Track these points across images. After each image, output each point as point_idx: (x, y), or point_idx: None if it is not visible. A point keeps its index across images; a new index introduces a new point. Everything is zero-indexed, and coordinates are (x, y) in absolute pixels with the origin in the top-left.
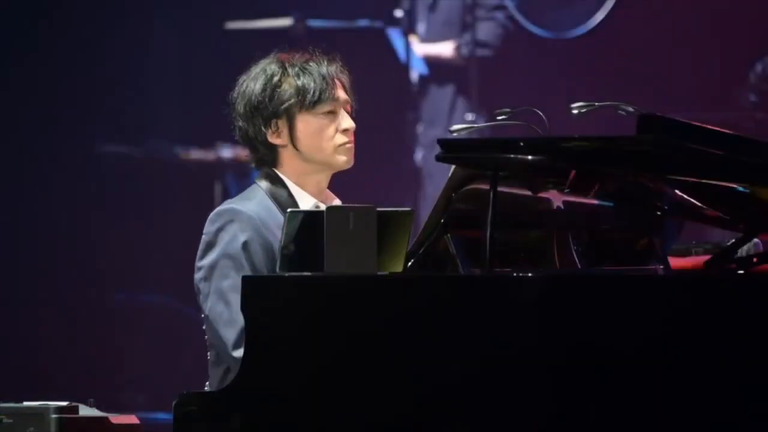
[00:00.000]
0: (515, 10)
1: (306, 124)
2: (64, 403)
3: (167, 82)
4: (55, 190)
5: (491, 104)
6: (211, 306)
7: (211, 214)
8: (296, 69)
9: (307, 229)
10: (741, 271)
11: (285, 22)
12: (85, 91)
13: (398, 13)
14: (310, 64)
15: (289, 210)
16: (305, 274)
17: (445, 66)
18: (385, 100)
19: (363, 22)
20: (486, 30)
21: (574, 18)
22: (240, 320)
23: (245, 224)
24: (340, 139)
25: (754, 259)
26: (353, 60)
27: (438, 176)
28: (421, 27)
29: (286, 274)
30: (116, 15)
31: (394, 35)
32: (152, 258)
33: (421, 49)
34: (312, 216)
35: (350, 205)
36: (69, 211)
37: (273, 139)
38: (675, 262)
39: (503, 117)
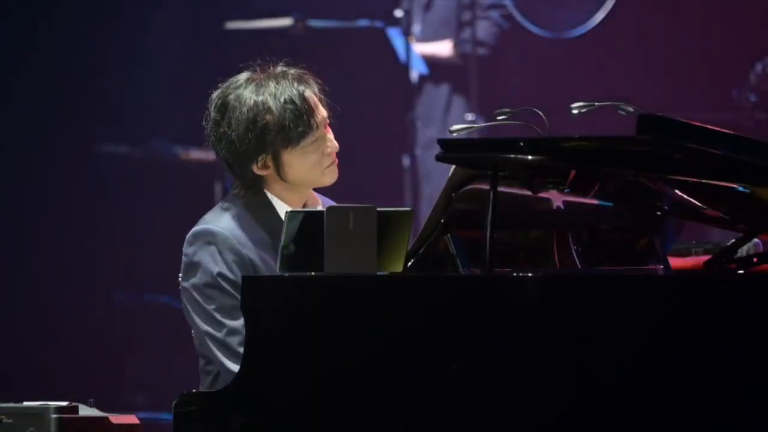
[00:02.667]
0: (514, 9)
1: (293, 158)
2: (64, 403)
3: (167, 83)
4: (55, 190)
5: (489, 103)
6: (200, 325)
7: (188, 236)
8: (277, 104)
9: (307, 229)
10: (741, 271)
11: (285, 22)
12: (85, 91)
13: (398, 13)
14: (286, 94)
15: (288, 210)
16: (305, 274)
17: (442, 65)
18: (385, 100)
19: (363, 22)
20: (481, 29)
21: (574, 18)
22: (230, 341)
23: (222, 245)
24: (326, 161)
25: (754, 259)
26: (353, 60)
27: (437, 176)
28: (416, 27)
29: (286, 274)
30: (116, 15)
31: (394, 35)
32: (152, 258)
33: (418, 48)
34: (312, 216)
35: (350, 205)
36: (69, 211)
37: (259, 171)
38: (675, 262)
39: (503, 117)
